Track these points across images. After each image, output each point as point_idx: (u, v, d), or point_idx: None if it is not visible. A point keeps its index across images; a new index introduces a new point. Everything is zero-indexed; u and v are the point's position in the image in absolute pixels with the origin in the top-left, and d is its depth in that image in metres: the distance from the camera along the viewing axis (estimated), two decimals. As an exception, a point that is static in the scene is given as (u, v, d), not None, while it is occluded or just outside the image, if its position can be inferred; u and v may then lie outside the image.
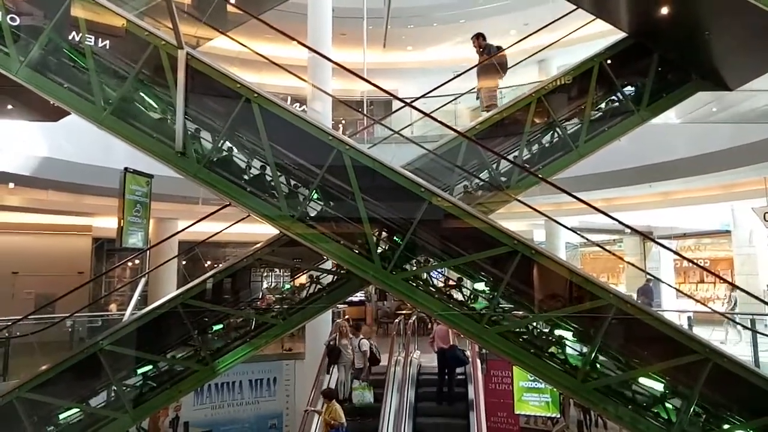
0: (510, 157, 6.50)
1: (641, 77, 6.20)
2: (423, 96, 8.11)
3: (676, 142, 11.27)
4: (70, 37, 5.36)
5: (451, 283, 6.61)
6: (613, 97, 6.49)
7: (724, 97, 10.24)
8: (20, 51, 5.22)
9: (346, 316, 12.75)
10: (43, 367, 5.94)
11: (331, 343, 10.20)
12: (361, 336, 10.20)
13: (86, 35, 5.20)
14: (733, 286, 12.82)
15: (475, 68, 8.46)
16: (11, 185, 12.09)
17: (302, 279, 7.65)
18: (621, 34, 6.16)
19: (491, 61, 8.24)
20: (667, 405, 5.23)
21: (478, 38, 8.69)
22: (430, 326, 16.79)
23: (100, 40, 5.30)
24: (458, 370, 10.49)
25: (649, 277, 15.97)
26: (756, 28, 4.85)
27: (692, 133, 11.35)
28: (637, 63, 6.19)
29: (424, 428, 9.59)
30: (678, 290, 18.57)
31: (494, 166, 6.55)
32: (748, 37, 5.08)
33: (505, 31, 16.75)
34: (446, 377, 10.26)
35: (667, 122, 10.91)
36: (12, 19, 5.28)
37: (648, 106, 6.18)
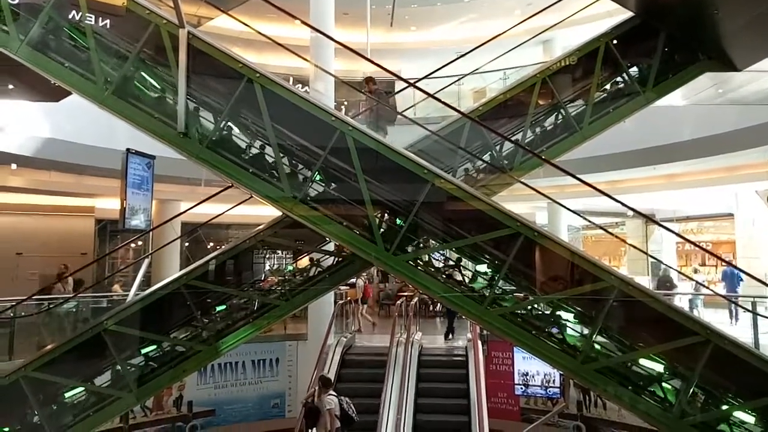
0: (514, 138, 6.46)
1: (647, 58, 6.12)
2: (426, 77, 8.03)
3: (681, 124, 11.17)
4: (71, 16, 5.31)
5: (451, 264, 6.63)
6: (619, 78, 6.42)
7: (730, 78, 10.15)
8: (20, 29, 5.17)
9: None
10: (49, 347, 5.99)
11: (309, 400, 8.80)
12: (330, 392, 8.44)
13: (86, 14, 5.15)
14: (736, 269, 12.81)
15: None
16: (14, 166, 12.09)
17: (304, 261, 7.65)
18: (627, 14, 6.07)
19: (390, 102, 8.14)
20: (667, 385, 5.27)
21: (368, 83, 8.52)
22: (431, 308, 16.91)
23: (100, 19, 5.25)
24: (459, 354, 10.64)
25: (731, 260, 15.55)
26: (766, 6, 4.76)
27: (698, 115, 11.25)
28: (644, 43, 6.11)
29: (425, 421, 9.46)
30: (680, 272, 18.57)
31: (498, 147, 6.51)
32: (757, 16, 5.00)
33: (509, 11, 16.56)
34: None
35: (672, 104, 10.81)
36: (11, -3, 5.22)
37: (654, 87, 6.11)
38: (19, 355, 8.89)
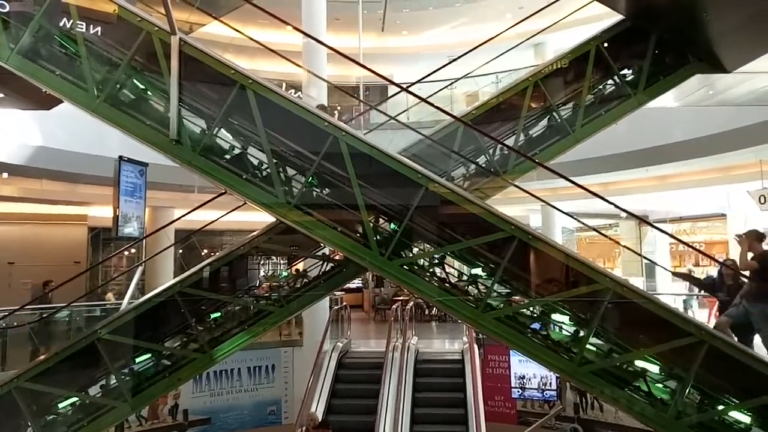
0: (506, 142, 6.47)
1: (638, 60, 6.16)
2: (419, 81, 8.05)
3: (673, 126, 11.25)
4: (62, 24, 5.29)
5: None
6: (610, 81, 6.45)
7: (722, 80, 10.23)
8: (10, 38, 5.14)
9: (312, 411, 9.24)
10: (42, 357, 5.93)
11: None
12: None
13: (77, 22, 5.13)
14: (730, 269, 12.85)
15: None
16: (5, 175, 12.01)
17: (299, 267, 7.62)
18: (618, 17, 6.11)
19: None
20: (663, 386, 5.28)
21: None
22: (427, 312, 16.92)
23: (91, 26, 5.23)
24: (455, 357, 10.61)
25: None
26: (755, 8, 4.81)
27: (689, 116, 11.33)
28: (635, 46, 6.14)
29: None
30: (674, 273, 18.66)
31: (491, 151, 6.53)
32: (747, 18, 5.04)
33: (500, 14, 16.66)
34: None
35: (664, 106, 10.88)
36: (1, 5, 5.20)
37: (645, 90, 6.14)
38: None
